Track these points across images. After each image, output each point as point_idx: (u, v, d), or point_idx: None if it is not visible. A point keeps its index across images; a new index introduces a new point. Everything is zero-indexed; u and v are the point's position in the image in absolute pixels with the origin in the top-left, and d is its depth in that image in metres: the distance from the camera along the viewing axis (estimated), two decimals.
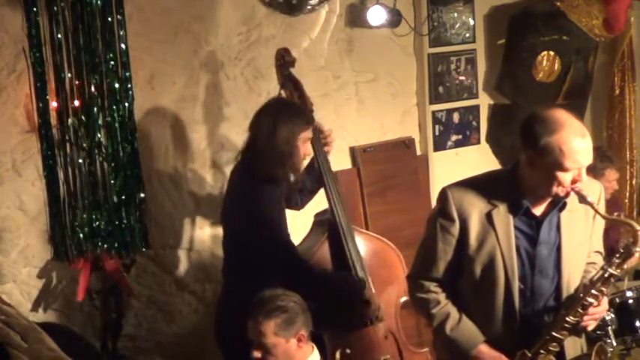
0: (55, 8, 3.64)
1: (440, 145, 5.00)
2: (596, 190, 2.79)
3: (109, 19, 3.74)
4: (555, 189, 2.61)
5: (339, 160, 4.48)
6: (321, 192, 3.75)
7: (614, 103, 5.48)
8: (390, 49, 4.83)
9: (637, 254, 2.63)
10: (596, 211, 2.67)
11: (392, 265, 3.72)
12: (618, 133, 5.50)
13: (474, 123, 5.09)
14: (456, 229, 2.75)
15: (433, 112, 4.96)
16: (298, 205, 3.83)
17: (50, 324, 3.80)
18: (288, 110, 3.49)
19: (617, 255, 2.65)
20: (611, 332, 3.80)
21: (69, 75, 3.73)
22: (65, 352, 2.50)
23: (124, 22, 3.79)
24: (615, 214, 2.74)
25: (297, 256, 3.49)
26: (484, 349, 2.77)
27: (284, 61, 3.75)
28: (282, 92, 3.75)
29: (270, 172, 3.40)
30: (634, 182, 5.51)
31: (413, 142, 4.93)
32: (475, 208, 2.73)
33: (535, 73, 5.04)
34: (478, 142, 5.11)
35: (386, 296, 3.65)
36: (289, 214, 3.65)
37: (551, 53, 5.04)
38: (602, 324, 3.85)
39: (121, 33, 3.78)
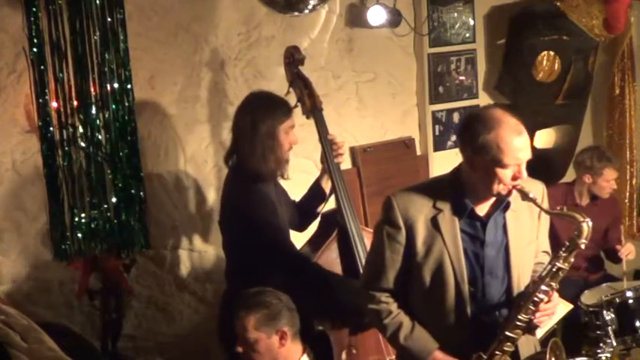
0: (55, 7, 3.64)
1: (440, 145, 5.00)
2: (539, 190, 2.78)
3: (109, 19, 3.74)
4: (497, 187, 2.61)
5: None
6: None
7: (614, 103, 5.48)
8: (390, 49, 4.83)
9: (582, 246, 2.63)
10: (539, 206, 2.66)
11: None
12: (618, 133, 5.50)
13: None
14: (402, 236, 2.72)
15: (433, 112, 4.96)
16: (301, 227, 3.80)
17: (50, 324, 3.79)
18: (265, 104, 3.45)
19: (564, 249, 2.64)
20: (611, 332, 3.81)
21: (68, 75, 3.73)
22: (65, 352, 2.50)
23: (124, 22, 3.79)
24: (558, 207, 2.73)
25: (295, 254, 3.48)
26: (439, 355, 2.75)
27: (293, 59, 3.74)
28: (292, 90, 3.74)
29: (256, 170, 3.38)
30: (634, 182, 5.51)
31: (413, 142, 4.93)
32: (420, 213, 2.71)
33: (535, 73, 5.03)
34: None
35: None
36: None
37: (551, 53, 5.03)
38: (602, 324, 3.86)
39: (121, 33, 3.79)
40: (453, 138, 5.03)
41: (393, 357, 3.54)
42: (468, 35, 4.98)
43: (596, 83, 5.38)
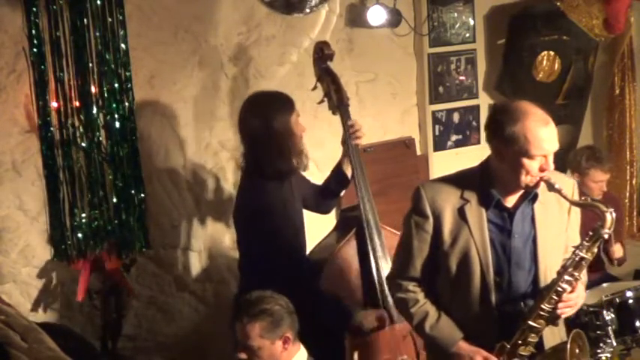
0: (55, 8, 3.64)
1: (440, 145, 5.00)
2: (569, 184, 2.82)
3: (109, 19, 3.74)
4: (524, 178, 2.65)
5: None
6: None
7: (614, 103, 5.49)
8: (390, 49, 4.83)
9: (606, 236, 2.65)
10: (564, 197, 2.69)
11: None
12: (618, 133, 5.50)
13: (474, 123, 5.09)
14: (430, 225, 2.78)
15: (433, 112, 4.96)
16: (325, 209, 3.83)
17: (50, 324, 3.79)
18: (270, 102, 3.47)
19: (587, 238, 2.68)
20: (611, 332, 3.80)
21: (69, 75, 3.73)
22: (65, 352, 2.50)
23: (124, 22, 3.79)
24: (582, 197, 2.75)
25: (294, 260, 3.48)
26: (463, 345, 2.79)
27: (322, 54, 3.73)
28: (319, 85, 3.73)
29: (277, 169, 3.40)
30: (634, 182, 5.51)
31: (413, 142, 4.93)
32: (448, 203, 2.76)
33: (535, 73, 5.04)
34: (478, 142, 5.11)
35: None
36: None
37: (551, 53, 5.04)
38: (602, 324, 3.86)
39: (121, 33, 3.78)
40: (453, 138, 5.04)
41: (405, 357, 3.56)
42: (468, 35, 4.98)
43: (596, 83, 5.39)
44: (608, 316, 3.83)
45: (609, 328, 3.82)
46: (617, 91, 5.46)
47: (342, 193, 3.86)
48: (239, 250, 3.61)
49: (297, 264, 3.46)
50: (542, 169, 2.64)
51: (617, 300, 3.92)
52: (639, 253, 4.88)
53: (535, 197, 2.75)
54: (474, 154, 5.01)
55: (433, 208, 2.77)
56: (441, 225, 2.76)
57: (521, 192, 2.74)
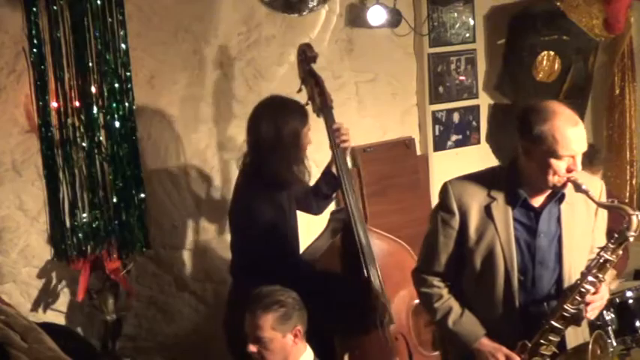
0: (55, 8, 3.64)
1: (440, 145, 5.00)
2: (597, 186, 2.82)
3: (109, 19, 3.74)
4: (551, 178, 2.66)
5: None
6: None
7: (614, 103, 5.48)
8: (390, 49, 4.83)
9: (631, 239, 2.66)
10: (591, 198, 2.70)
11: (405, 267, 3.63)
12: (618, 133, 5.50)
13: (474, 123, 5.09)
14: (456, 222, 2.80)
15: (433, 112, 4.96)
16: (317, 211, 3.82)
17: (50, 324, 3.80)
18: (286, 109, 3.45)
19: (612, 240, 2.68)
20: (611, 332, 3.80)
21: (69, 75, 3.73)
22: (65, 352, 2.51)
23: (124, 22, 3.78)
24: (609, 200, 2.76)
25: (290, 263, 3.48)
26: (485, 342, 2.81)
27: (305, 56, 3.71)
28: (303, 87, 3.72)
29: (281, 177, 3.39)
30: (634, 182, 5.51)
31: (413, 142, 4.93)
32: (475, 201, 2.78)
33: (535, 73, 5.04)
34: (478, 142, 5.12)
35: (398, 298, 3.63)
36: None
37: (551, 53, 5.04)
38: (602, 324, 3.86)
39: (121, 33, 3.78)
40: (453, 138, 5.04)
41: (397, 359, 3.55)
42: (468, 35, 4.98)
43: (596, 83, 5.39)
44: (608, 316, 3.84)
45: (609, 328, 3.82)
46: (617, 91, 5.46)
47: (334, 196, 3.84)
48: (232, 250, 3.61)
49: (292, 265, 3.45)
50: (569, 170, 2.65)
51: (617, 300, 3.93)
52: (639, 252, 4.87)
53: (562, 197, 2.76)
54: (474, 154, 5.05)
55: (459, 205, 2.79)
56: (466, 222, 2.78)
57: (548, 192, 2.75)
